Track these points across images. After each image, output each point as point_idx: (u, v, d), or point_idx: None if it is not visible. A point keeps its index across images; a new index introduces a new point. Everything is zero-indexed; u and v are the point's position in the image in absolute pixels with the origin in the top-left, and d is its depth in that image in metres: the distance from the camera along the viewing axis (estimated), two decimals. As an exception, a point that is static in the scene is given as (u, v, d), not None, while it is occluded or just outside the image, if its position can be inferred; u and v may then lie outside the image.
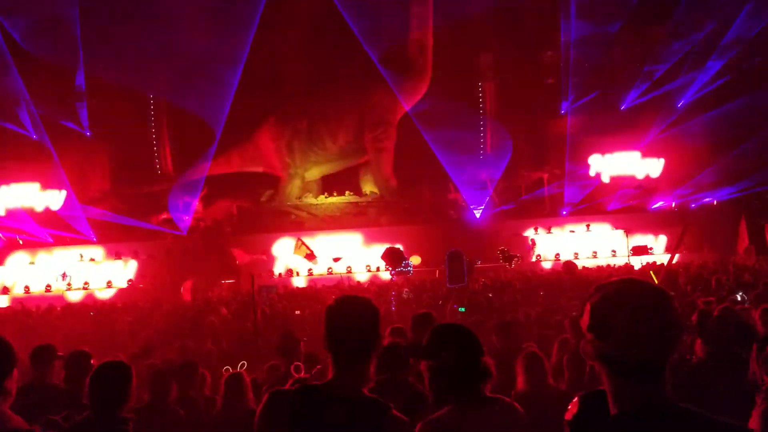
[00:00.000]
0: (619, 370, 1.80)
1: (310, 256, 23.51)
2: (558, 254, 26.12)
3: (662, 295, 1.84)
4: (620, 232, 26.16)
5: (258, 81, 28.03)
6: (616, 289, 1.85)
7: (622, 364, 1.79)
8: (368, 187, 30.61)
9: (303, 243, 23.33)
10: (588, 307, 1.88)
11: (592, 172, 28.07)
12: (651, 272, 13.00)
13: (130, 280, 24.70)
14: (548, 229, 27.39)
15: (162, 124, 30.43)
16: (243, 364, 5.44)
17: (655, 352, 1.78)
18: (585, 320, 1.89)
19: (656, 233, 26.70)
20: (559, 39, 28.68)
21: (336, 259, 25.33)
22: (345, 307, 2.51)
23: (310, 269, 25.31)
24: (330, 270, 25.24)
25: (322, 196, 30.29)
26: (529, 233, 27.02)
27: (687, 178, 27.98)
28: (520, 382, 4.72)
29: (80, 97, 27.90)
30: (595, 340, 1.84)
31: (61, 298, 22.60)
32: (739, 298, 9.67)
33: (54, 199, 26.19)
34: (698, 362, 4.81)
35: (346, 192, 30.38)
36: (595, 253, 26.07)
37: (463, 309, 11.38)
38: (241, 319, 12.10)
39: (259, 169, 31.03)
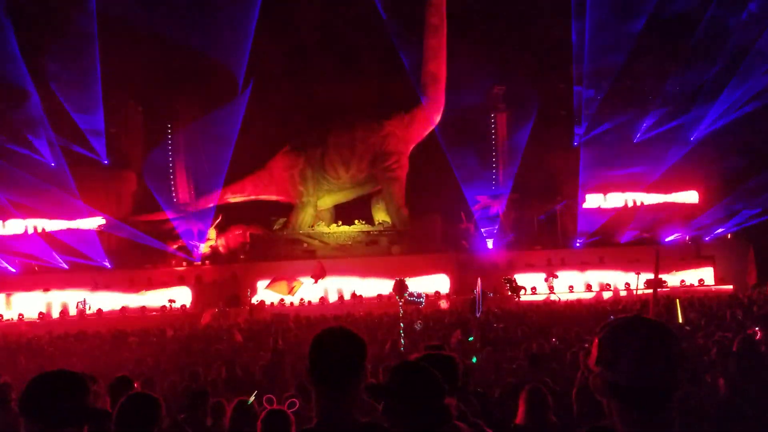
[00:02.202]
0: (628, 399, 1.83)
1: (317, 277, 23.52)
2: (571, 286, 26.04)
3: (667, 328, 1.91)
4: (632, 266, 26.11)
5: (273, 110, 28.40)
6: (623, 322, 1.92)
7: (632, 392, 1.82)
8: (380, 216, 30.70)
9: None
10: (596, 342, 1.93)
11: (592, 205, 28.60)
12: (677, 300, 13.00)
13: (143, 307, 24.82)
14: (561, 261, 27.31)
15: (179, 153, 30.77)
16: (254, 394, 5.42)
17: (663, 377, 1.83)
18: (593, 355, 1.93)
19: (670, 266, 26.58)
20: (572, 71, 28.88)
21: (355, 296, 25.23)
22: (329, 339, 2.48)
23: (321, 298, 25.42)
24: (341, 297, 25.29)
25: (335, 225, 30.40)
26: (540, 264, 27.03)
27: (700, 211, 27.94)
28: (520, 415, 4.65)
29: (99, 126, 28.38)
30: (604, 371, 1.87)
31: (75, 323, 22.69)
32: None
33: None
34: (723, 396, 4.75)
35: (358, 221, 30.47)
36: (609, 285, 25.92)
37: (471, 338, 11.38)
38: (254, 347, 12.10)
39: (273, 197, 31.27)
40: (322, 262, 20.86)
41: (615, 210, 28.91)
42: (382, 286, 25.22)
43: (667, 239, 28.91)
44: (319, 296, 25.56)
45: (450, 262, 26.76)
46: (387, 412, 2.57)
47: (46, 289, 25.36)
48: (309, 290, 25.31)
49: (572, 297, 24.58)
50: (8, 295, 25.17)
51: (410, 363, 2.77)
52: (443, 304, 19.69)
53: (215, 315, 21.41)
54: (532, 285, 25.69)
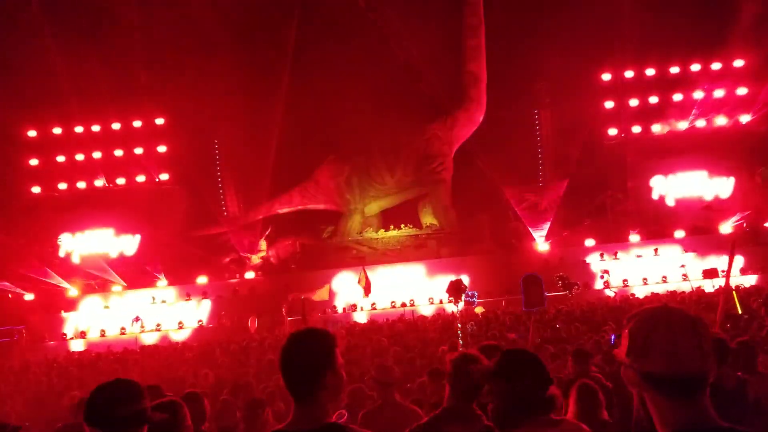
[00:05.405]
0: (662, 387, 1.82)
1: (367, 290, 23.50)
2: (626, 280, 25.47)
3: (696, 317, 1.88)
4: (690, 256, 25.45)
5: (316, 120, 28.69)
6: (652, 311, 1.91)
7: (666, 381, 1.80)
8: (428, 220, 30.61)
9: (365, 275, 23.38)
10: (626, 333, 1.92)
11: (655, 195, 27.65)
12: (733, 291, 12.60)
13: (200, 321, 25.33)
14: (614, 255, 26.77)
15: (227, 167, 31.43)
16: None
17: (696, 364, 1.80)
18: (623, 347, 1.92)
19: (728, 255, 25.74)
20: (615, 61, 28.33)
21: (404, 305, 25.22)
22: (289, 344, 2.52)
23: (373, 303, 25.49)
24: (393, 303, 25.32)
25: (383, 230, 30.48)
26: (592, 259, 26.56)
27: (757, 197, 27.04)
28: (570, 413, 4.53)
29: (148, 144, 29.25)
30: (636, 361, 1.86)
31: (135, 340, 23.31)
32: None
33: (128, 244, 27.58)
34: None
35: (406, 225, 30.46)
36: (665, 277, 25.26)
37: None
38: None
39: (320, 206, 31.56)
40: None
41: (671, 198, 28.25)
42: (433, 288, 25.18)
43: (721, 227, 28.05)
44: (371, 302, 25.64)
45: (500, 262, 26.48)
46: (500, 396, 2.69)
47: (106, 308, 26.17)
48: (360, 297, 25.47)
49: (628, 291, 24.11)
50: (71, 315, 25.97)
51: (519, 350, 2.91)
52: (479, 311, 19.03)
53: (263, 323, 21.67)
54: (585, 281, 25.26)
